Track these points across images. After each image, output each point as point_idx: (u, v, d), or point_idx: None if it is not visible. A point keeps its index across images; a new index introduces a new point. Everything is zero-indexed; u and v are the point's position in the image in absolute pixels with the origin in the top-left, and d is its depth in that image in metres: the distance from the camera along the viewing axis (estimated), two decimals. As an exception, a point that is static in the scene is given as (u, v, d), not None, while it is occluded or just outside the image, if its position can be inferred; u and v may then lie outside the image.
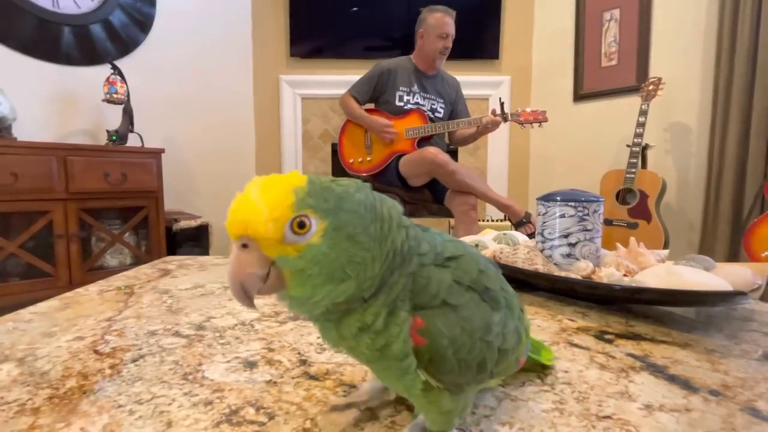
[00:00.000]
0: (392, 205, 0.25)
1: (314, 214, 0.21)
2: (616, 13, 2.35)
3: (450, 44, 1.88)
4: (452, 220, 2.08)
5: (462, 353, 0.24)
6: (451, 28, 1.86)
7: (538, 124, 1.89)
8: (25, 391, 0.35)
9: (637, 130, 1.98)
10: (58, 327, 0.51)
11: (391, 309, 0.24)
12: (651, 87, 2.00)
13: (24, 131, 1.80)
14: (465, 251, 0.27)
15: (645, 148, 2.07)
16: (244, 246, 0.21)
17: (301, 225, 0.21)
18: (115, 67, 1.92)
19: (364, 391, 0.33)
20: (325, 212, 0.22)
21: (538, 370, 0.40)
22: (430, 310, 0.24)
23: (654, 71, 2.20)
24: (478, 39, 2.70)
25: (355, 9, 2.65)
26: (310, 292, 0.22)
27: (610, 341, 0.47)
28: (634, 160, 1.98)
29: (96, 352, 0.44)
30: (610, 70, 2.40)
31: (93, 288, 0.69)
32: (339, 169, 2.12)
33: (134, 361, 0.41)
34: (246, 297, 0.22)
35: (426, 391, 0.25)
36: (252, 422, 0.31)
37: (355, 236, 0.22)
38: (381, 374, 0.28)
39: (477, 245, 0.79)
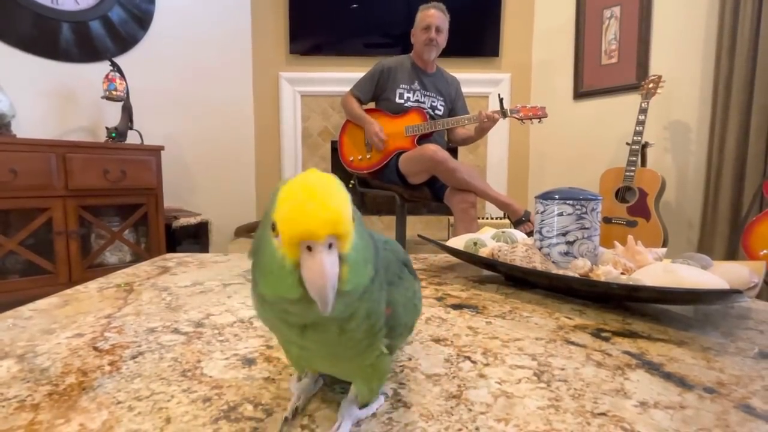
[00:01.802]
0: None
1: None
2: (617, 10, 2.35)
3: (434, 35, 1.84)
4: (452, 218, 2.08)
5: (407, 317, 0.29)
6: (434, 19, 1.84)
7: (538, 119, 1.88)
8: (25, 387, 0.36)
9: (637, 128, 1.98)
10: (57, 324, 0.51)
11: (380, 288, 0.26)
12: (651, 85, 2.00)
13: (23, 128, 1.80)
14: (386, 237, 0.32)
15: (644, 146, 2.06)
16: (329, 246, 0.21)
17: (353, 219, 0.22)
18: (114, 64, 1.92)
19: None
20: (353, 209, 0.23)
21: None
22: (392, 285, 0.28)
23: (654, 69, 2.20)
24: (478, 36, 2.69)
25: (354, 6, 2.64)
26: (359, 280, 0.23)
27: (606, 339, 0.47)
28: (634, 158, 1.98)
29: (95, 349, 0.44)
30: (610, 67, 2.40)
31: (92, 285, 0.69)
32: (339, 167, 2.12)
33: (133, 357, 0.42)
34: (332, 298, 0.21)
35: (377, 357, 0.28)
36: (250, 418, 0.31)
37: (359, 227, 0.24)
38: (339, 361, 0.28)
39: (476, 243, 0.79)
